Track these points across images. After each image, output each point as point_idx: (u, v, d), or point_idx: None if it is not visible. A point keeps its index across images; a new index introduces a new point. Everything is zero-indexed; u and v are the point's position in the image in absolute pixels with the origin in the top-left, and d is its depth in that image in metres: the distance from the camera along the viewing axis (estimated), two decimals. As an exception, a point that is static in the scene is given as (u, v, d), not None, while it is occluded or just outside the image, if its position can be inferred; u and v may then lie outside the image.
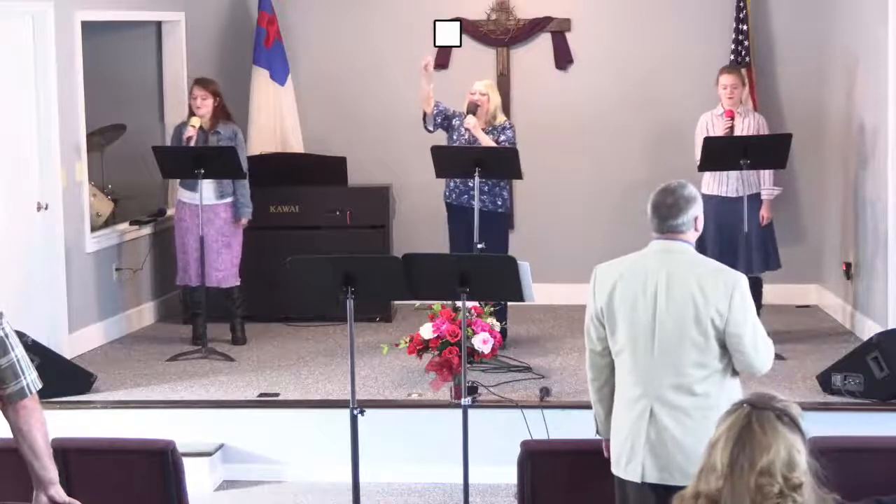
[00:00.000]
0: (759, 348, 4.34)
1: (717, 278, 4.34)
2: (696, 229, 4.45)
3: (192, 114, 8.33)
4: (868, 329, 8.06)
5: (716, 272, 4.37)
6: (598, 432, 4.67)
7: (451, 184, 8.20)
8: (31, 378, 3.92)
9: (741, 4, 9.36)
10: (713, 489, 2.90)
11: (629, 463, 4.41)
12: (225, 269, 8.38)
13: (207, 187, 8.27)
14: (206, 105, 8.29)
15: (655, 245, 4.46)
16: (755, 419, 2.91)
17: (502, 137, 8.07)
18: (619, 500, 4.54)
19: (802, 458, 2.90)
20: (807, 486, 2.88)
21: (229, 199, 8.39)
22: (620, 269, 4.48)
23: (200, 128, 8.26)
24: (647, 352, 4.36)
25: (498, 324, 7.20)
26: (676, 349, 4.32)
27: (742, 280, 4.34)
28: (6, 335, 3.88)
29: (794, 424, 2.94)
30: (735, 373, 4.40)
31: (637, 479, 4.39)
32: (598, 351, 4.52)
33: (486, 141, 8.00)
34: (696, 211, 4.42)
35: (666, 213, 4.41)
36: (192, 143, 8.17)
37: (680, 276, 4.34)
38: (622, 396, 4.46)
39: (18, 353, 3.91)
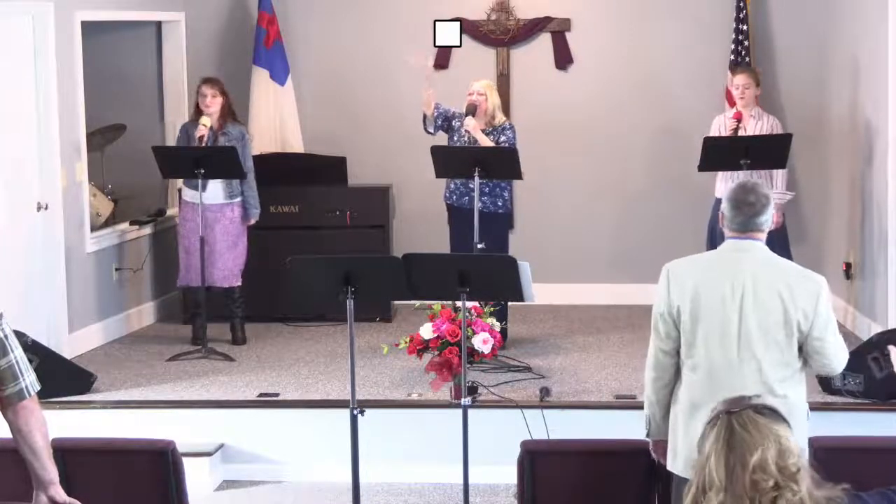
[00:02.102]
0: (838, 351, 4.41)
1: (806, 280, 4.37)
2: (771, 227, 4.49)
3: (199, 113, 8.33)
4: (868, 329, 8.06)
5: (802, 274, 4.41)
6: (648, 434, 4.61)
7: (452, 185, 8.20)
8: (30, 380, 3.92)
9: (741, 4, 9.35)
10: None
11: None
12: (228, 269, 8.39)
13: (216, 187, 8.29)
14: (215, 104, 8.29)
15: (732, 244, 4.44)
16: (736, 422, 2.90)
17: (502, 138, 8.07)
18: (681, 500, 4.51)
19: (792, 443, 2.90)
20: (804, 470, 2.87)
21: (238, 199, 8.39)
22: (701, 268, 4.46)
23: (210, 127, 8.27)
24: (730, 351, 4.35)
25: (498, 324, 7.20)
26: (761, 349, 4.33)
27: (825, 284, 4.38)
28: (5, 336, 3.88)
29: (775, 413, 2.94)
30: (804, 374, 4.43)
31: None
32: (666, 350, 4.47)
33: (486, 142, 7.99)
34: (773, 209, 4.45)
35: (749, 210, 4.39)
36: (204, 143, 8.18)
37: (766, 277, 4.36)
38: (693, 398, 4.40)
39: (17, 354, 3.91)
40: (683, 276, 4.44)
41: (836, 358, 4.41)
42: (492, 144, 7.99)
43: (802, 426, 4.34)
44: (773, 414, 2.94)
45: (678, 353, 4.46)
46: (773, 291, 4.33)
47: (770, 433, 2.88)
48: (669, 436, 4.52)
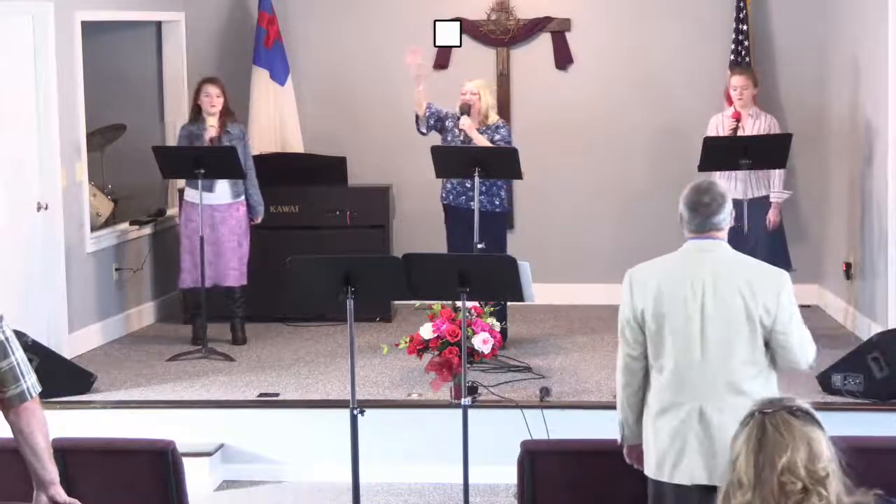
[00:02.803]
0: (804, 344, 4.39)
1: (766, 276, 4.37)
2: (730, 224, 4.48)
3: (198, 113, 8.33)
4: (868, 329, 8.06)
5: (762, 269, 4.41)
6: (622, 438, 4.61)
7: (449, 185, 8.19)
8: (31, 381, 3.92)
9: (741, 4, 9.35)
10: (744, 502, 2.87)
11: (676, 467, 4.38)
12: (238, 268, 8.40)
13: (223, 187, 8.31)
14: (219, 103, 8.30)
15: (693, 245, 4.44)
16: (769, 423, 2.89)
17: (497, 137, 8.08)
18: (654, 503, 4.52)
19: (824, 447, 2.87)
20: (833, 475, 2.85)
21: (243, 198, 8.40)
22: (661, 271, 4.45)
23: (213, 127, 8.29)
24: (695, 352, 4.35)
25: (498, 324, 7.20)
26: (726, 348, 4.32)
27: (787, 277, 4.38)
28: (6, 339, 3.88)
29: (809, 416, 2.92)
30: (774, 371, 4.42)
31: (687, 482, 4.37)
32: (634, 355, 4.47)
33: (482, 141, 7.99)
34: (730, 207, 4.45)
35: (706, 211, 4.39)
36: (212, 143, 8.20)
37: (726, 275, 4.35)
38: (661, 401, 4.41)
39: (18, 356, 3.91)
40: (645, 279, 4.45)
41: (802, 351, 4.38)
42: (488, 143, 7.99)
43: None
44: (807, 416, 2.92)
45: (646, 357, 4.46)
46: (733, 288, 4.32)
47: (801, 436, 2.86)
48: (643, 439, 4.52)
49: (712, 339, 4.33)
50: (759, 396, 4.27)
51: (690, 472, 4.36)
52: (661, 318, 4.38)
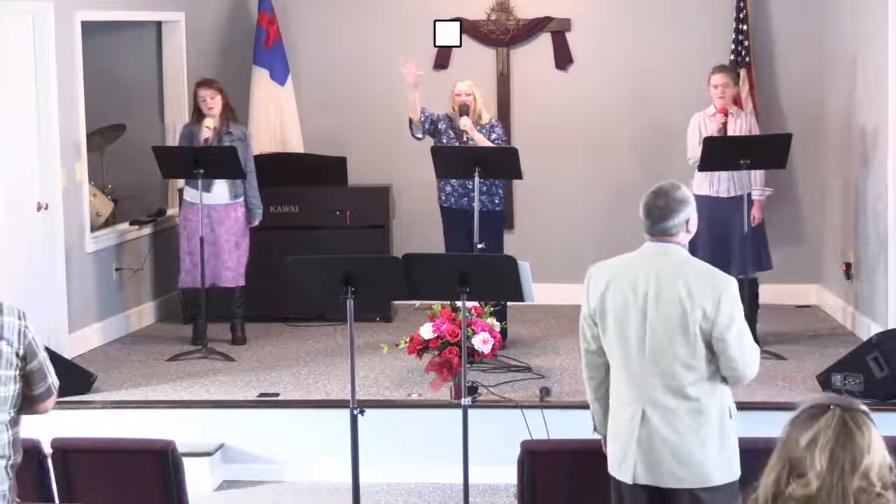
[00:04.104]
0: (744, 354, 4.30)
1: (706, 280, 4.31)
2: (687, 231, 4.42)
3: (199, 114, 8.33)
4: (868, 329, 8.06)
5: (705, 274, 4.35)
6: (595, 429, 4.67)
7: (448, 188, 8.18)
8: (53, 377, 4.18)
9: (741, 4, 9.36)
10: (809, 492, 2.83)
11: (622, 463, 4.42)
12: (234, 269, 8.39)
13: (222, 187, 8.31)
14: (216, 104, 8.30)
15: (648, 246, 4.44)
16: (850, 420, 2.86)
17: (493, 136, 8.10)
18: (614, 499, 4.55)
19: (889, 457, 2.87)
20: (893, 484, 2.85)
21: (242, 199, 8.40)
22: (614, 270, 4.47)
23: (213, 128, 8.27)
24: (638, 353, 4.35)
25: (498, 324, 7.20)
26: (666, 351, 4.31)
27: (731, 284, 4.30)
28: (33, 338, 4.09)
29: (875, 425, 2.92)
30: (720, 378, 4.38)
31: (629, 480, 4.40)
32: (593, 350, 4.52)
33: (483, 141, 8.01)
34: (688, 213, 4.39)
35: (658, 215, 4.38)
36: (210, 144, 8.19)
37: (669, 278, 4.32)
38: (616, 397, 4.47)
39: (42, 354, 4.13)
40: (599, 277, 4.47)
41: (741, 362, 4.29)
42: (489, 143, 8.00)
43: (718, 429, 4.32)
44: (874, 423, 2.91)
45: (604, 352, 4.49)
46: (673, 292, 4.29)
47: (879, 442, 2.85)
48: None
49: (651, 341, 4.32)
50: (703, 403, 4.29)
51: (633, 472, 4.38)
52: (608, 316, 4.40)
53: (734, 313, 4.28)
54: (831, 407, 2.87)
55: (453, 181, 8.11)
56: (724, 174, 7.99)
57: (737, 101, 8.67)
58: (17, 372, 4.07)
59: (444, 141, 8.12)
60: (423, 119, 8.09)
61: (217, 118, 8.30)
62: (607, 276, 4.45)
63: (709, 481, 4.29)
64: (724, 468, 4.34)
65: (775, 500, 2.86)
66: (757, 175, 8.18)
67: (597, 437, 4.70)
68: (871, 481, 2.81)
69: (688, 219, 4.39)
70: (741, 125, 8.20)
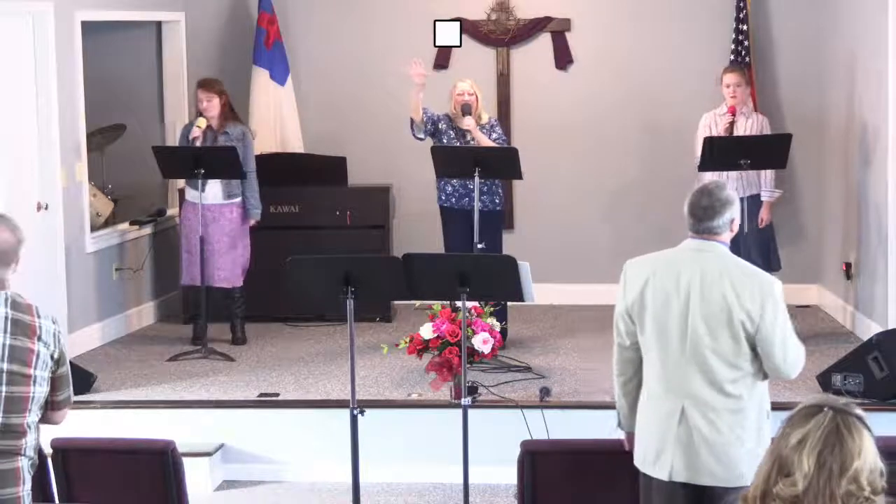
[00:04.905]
0: (788, 354, 4.35)
1: (752, 282, 4.35)
2: (731, 231, 4.46)
3: (199, 115, 8.33)
4: (868, 329, 8.06)
5: (751, 275, 4.38)
6: (619, 425, 4.67)
7: (449, 188, 8.17)
8: (72, 388, 4.25)
9: (741, 4, 9.35)
10: (794, 492, 2.84)
11: (657, 461, 4.42)
12: (228, 270, 8.38)
13: (215, 187, 8.30)
14: (213, 106, 8.29)
15: (690, 244, 4.46)
16: (842, 423, 2.86)
17: (494, 135, 8.10)
18: (643, 497, 4.54)
19: (880, 462, 2.87)
20: (885, 491, 2.85)
21: (237, 200, 8.39)
22: (653, 266, 4.47)
23: (210, 128, 8.27)
24: (678, 350, 4.36)
25: (498, 324, 7.19)
26: (707, 348, 4.32)
27: (777, 285, 4.35)
28: (64, 343, 4.20)
29: (869, 429, 2.92)
30: (765, 376, 4.40)
31: (665, 478, 4.39)
32: (626, 346, 4.52)
33: (486, 141, 8.01)
34: (733, 213, 4.43)
35: (702, 214, 4.41)
36: (199, 144, 8.18)
37: (714, 276, 4.35)
38: (650, 393, 4.46)
39: (67, 364, 4.21)
40: (638, 273, 4.48)
41: (787, 363, 4.35)
42: (491, 143, 8.00)
43: (756, 429, 4.35)
44: (869, 429, 2.91)
45: (639, 348, 4.50)
46: (718, 291, 4.32)
47: (869, 444, 2.85)
48: (636, 428, 4.56)
49: (694, 339, 4.33)
50: (745, 400, 4.30)
51: (670, 469, 4.38)
52: (646, 312, 4.41)
53: (779, 315, 4.33)
54: (825, 409, 2.87)
55: (454, 181, 8.12)
56: (732, 174, 7.97)
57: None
58: (50, 374, 4.13)
59: (445, 141, 8.12)
60: (425, 119, 8.09)
61: (215, 119, 8.30)
62: (647, 272, 4.45)
63: (741, 480, 4.27)
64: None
65: (764, 497, 2.86)
66: (767, 176, 8.18)
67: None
68: (860, 485, 2.80)
69: (732, 218, 4.44)
70: (752, 125, 8.19)
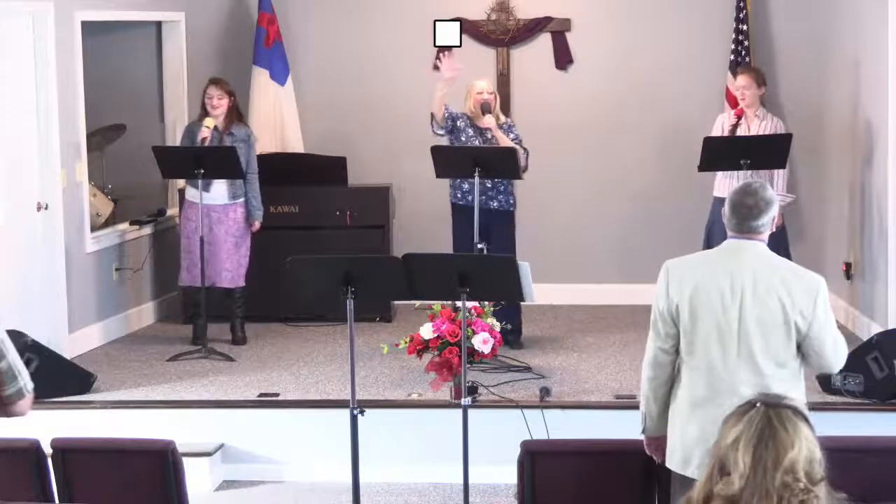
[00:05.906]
0: (837, 350, 4.42)
1: (802, 280, 4.37)
2: (771, 230, 4.49)
3: (205, 113, 8.33)
4: (868, 329, 8.06)
5: (799, 274, 4.41)
6: (644, 430, 4.61)
7: (466, 185, 8.10)
8: (26, 379, 4.04)
9: (741, 4, 9.36)
10: (733, 491, 2.86)
11: (703, 465, 4.37)
12: (233, 270, 8.38)
13: (221, 188, 8.30)
14: (221, 105, 8.29)
15: (732, 244, 4.45)
16: (774, 417, 2.88)
17: (511, 136, 8.11)
18: (679, 498, 4.51)
19: (818, 452, 2.89)
20: (824, 479, 2.86)
21: (241, 200, 8.39)
22: (701, 266, 4.46)
23: (215, 128, 8.27)
24: (728, 350, 4.35)
25: (498, 324, 7.18)
26: (759, 348, 4.33)
27: (823, 283, 4.39)
28: (1, 340, 3.97)
29: (807, 420, 2.93)
30: (801, 374, 4.44)
31: None
32: (665, 348, 4.47)
33: (505, 139, 8.03)
34: (774, 212, 4.46)
35: (747, 213, 4.40)
36: (207, 144, 8.19)
37: (765, 276, 4.36)
38: (692, 396, 4.41)
39: (12, 356, 4.01)
40: (683, 274, 4.45)
41: (835, 357, 4.42)
42: (509, 142, 8.02)
43: None
44: (804, 417, 2.92)
45: (677, 351, 4.46)
46: (772, 291, 4.33)
47: (804, 436, 2.86)
48: (668, 433, 4.52)
49: (748, 338, 4.33)
50: (790, 398, 4.30)
51: None
52: (696, 315, 4.38)
53: (828, 312, 4.39)
54: (757, 405, 2.89)
55: (470, 179, 8.09)
56: (741, 176, 7.95)
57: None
58: None
59: (464, 139, 8.11)
60: (446, 116, 8.08)
61: (221, 119, 8.30)
62: (694, 273, 4.43)
63: None
64: None
65: (707, 499, 2.88)
66: (779, 180, 8.15)
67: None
68: (796, 476, 2.82)
69: (774, 217, 4.47)
70: (766, 127, 8.15)
